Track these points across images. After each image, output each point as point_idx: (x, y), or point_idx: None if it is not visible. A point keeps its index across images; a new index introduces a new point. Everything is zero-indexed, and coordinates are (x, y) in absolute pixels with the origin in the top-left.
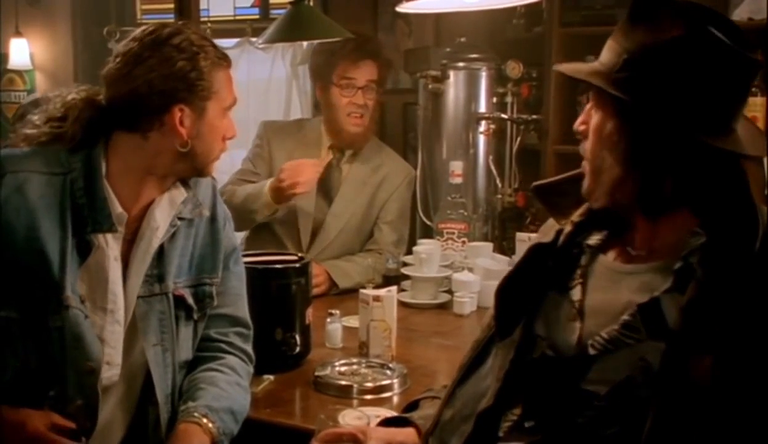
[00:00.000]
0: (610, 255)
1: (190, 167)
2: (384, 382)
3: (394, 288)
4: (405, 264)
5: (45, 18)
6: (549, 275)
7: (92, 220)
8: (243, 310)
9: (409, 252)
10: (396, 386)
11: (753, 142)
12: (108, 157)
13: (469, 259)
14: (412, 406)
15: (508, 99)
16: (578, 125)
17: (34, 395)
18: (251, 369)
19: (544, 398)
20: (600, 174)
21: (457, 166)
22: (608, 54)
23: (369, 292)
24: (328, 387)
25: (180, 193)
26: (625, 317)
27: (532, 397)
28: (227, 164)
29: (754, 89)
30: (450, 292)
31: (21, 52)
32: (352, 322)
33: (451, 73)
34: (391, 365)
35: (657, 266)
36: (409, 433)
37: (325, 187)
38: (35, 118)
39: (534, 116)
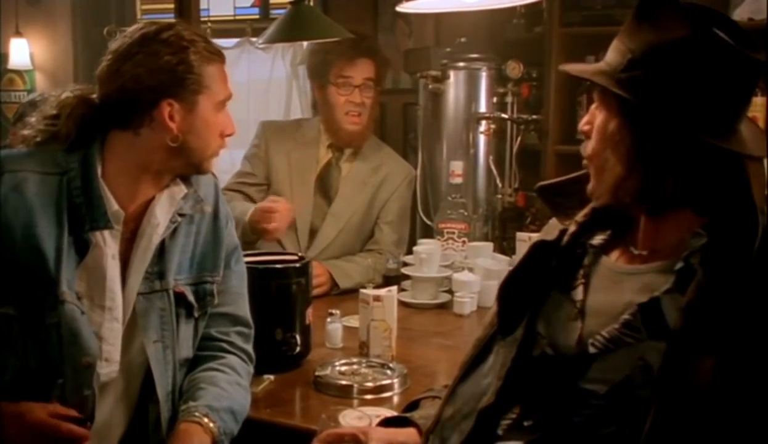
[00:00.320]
0: (613, 255)
1: (186, 163)
2: (384, 382)
3: (394, 288)
4: (405, 264)
5: (45, 18)
6: (552, 274)
7: (89, 218)
8: (244, 310)
9: (410, 252)
10: (396, 386)
11: (756, 143)
12: (104, 156)
13: (469, 259)
14: (413, 405)
15: (509, 99)
16: (583, 125)
17: (34, 394)
18: (251, 369)
19: (543, 397)
20: (602, 172)
21: (457, 166)
22: (613, 54)
23: (369, 292)
24: (328, 387)
25: (180, 190)
26: (626, 316)
27: (531, 396)
28: (227, 163)
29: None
30: (450, 292)
31: (21, 52)
32: (353, 322)
33: (452, 73)
34: (391, 365)
35: (658, 267)
36: (410, 433)
37: (325, 187)
38: (32, 118)
39: (534, 116)
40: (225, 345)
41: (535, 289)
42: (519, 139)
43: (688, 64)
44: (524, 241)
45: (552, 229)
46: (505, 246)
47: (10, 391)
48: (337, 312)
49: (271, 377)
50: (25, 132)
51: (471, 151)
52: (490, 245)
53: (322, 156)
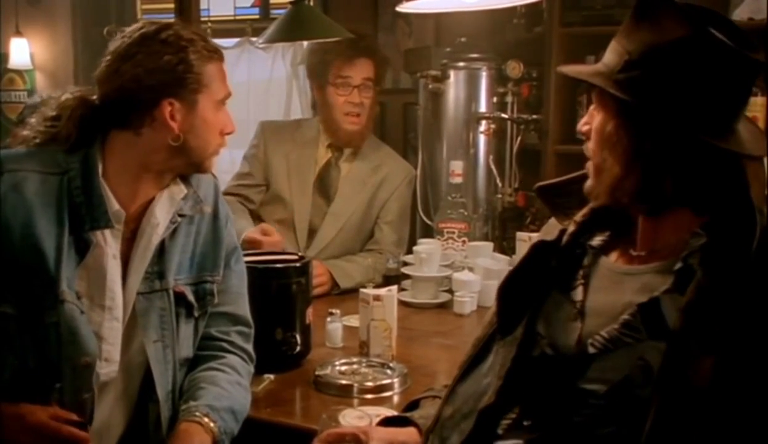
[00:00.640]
0: (612, 256)
1: (187, 163)
2: (384, 382)
3: (394, 287)
4: (405, 263)
5: (45, 18)
6: (552, 274)
7: (90, 217)
8: (244, 309)
9: (410, 252)
10: (396, 386)
11: (754, 142)
12: (105, 156)
13: (469, 258)
14: (413, 405)
15: (509, 99)
16: (581, 126)
17: (33, 394)
18: (252, 368)
19: (543, 397)
20: (601, 172)
21: (457, 166)
22: (611, 55)
23: (369, 291)
24: (328, 386)
25: (180, 190)
26: (626, 316)
27: (530, 396)
28: (227, 163)
29: (754, 89)
30: (450, 291)
31: (21, 51)
32: (353, 321)
33: (452, 73)
34: (391, 365)
35: (658, 267)
36: (410, 432)
37: (324, 187)
38: (32, 120)
39: (534, 116)
40: (225, 345)
41: (535, 289)
42: (519, 138)
43: (686, 64)
44: (524, 240)
45: (551, 228)
46: (505, 246)
47: (8, 391)
48: (338, 311)
49: (272, 377)
50: (24, 133)
51: (471, 150)
52: (490, 245)
53: (321, 156)
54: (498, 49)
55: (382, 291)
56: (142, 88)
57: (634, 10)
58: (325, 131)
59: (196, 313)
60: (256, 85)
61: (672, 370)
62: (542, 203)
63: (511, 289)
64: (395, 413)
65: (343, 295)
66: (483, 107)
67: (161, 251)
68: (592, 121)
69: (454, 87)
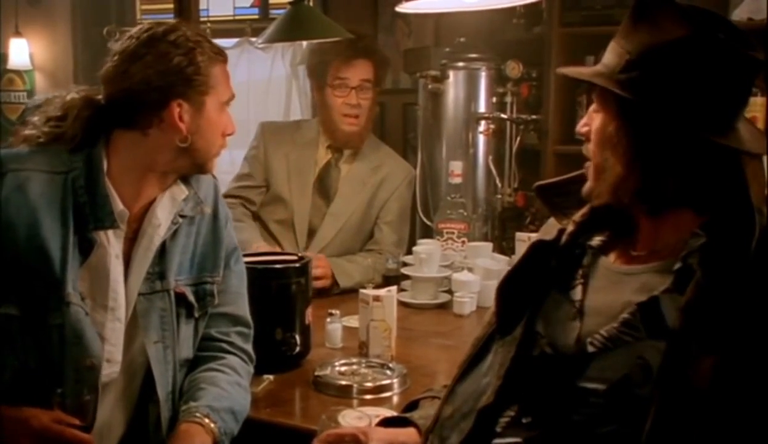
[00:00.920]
0: (612, 256)
1: (191, 163)
2: (384, 382)
3: (394, 288)
4: (405, 264)
5: (45, 18)
6: (551, 274)
7: (94, 217)
8: (244, 309)
9: (409, 252)
10: (396, 386)
11: (754, 141)
12: (109, 155)
13: (468, 259)
14: (412, 406)
15: (508, 99)
16: (581, 127)
17: (33, 396)
18: (251, 369)
19: (542, 395)
20: (602, 173)
21: (456, 166)
22: (611, 56)
23: (369, 292)
24: (327, 387)
25: (181, 191)
26: (625, 315)
27: (530, 394)
28: (227, 163)
29: (753, 89)
30: (450, 292)
31: (21, 52)
32: (352, 322)
33: (451, 73)
34: (390, 365)
35: (657, 267)
36: (410, 433)
37: (324, 187)
38: (35, 119)
39: (533, 116)
40: (225, 345)
41: (534, 289)
42: (518, 139)
43: (687, 63)
44: (523, 241)
45: (550, 228)
46: (504, 246)
47: (9, 394)
48: (337, 312)
49: (271, 377)
50: (28, 132)
51: (470, 151)
52: (489, 245)
53: (321, 157)
54: (497, 49)
55: (382, 291)
56: (152, 89)
57: (632, 11)
58: (324, 132)
59: (196, 314)
60: (256, 85)
61: (672, 369)
62: (541, 203)
63: (510, 288)
64: (395, 414)
65: (343, 296)
66: (482, 107)
67: (162, 252)
68: (591, 122)
69: (453, 87)
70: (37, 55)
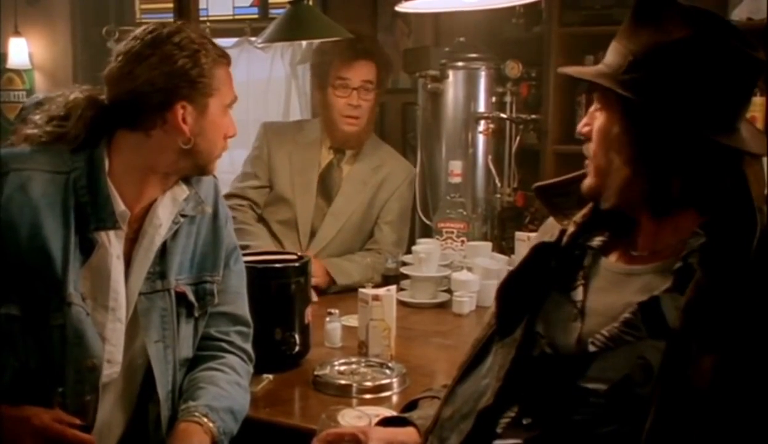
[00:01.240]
0: (612, 257)
1: (193, 165)
2: (383, 382)
3: (393, 287)
4: (404, 263)
5: (44, 17)
6: (552, 275)
7: (95, 218)
8: (243, 309)
9: (409, 251)
10: (395, 385)
11: (755, 142)
12: (111, 156)
13: (468, 258)
14: (411, 405)
15: (508, 99)
16: (581, 127)
17: (34, 396)
18: (251, 368)
19: (543, 395)
20: (607, 175)
21: (456, 166)
22: (613, 56)
23: (368, 291)
24: (327, 386)
25: (182, 191)
26: (626, 315)
27: (530, 395)
28: (227, 164)
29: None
30: (449, 291)
31: (20, 51)
32: (352, 321)
33: (451, 73)
34: (390, 364)
35: (658, 267)
36: (410, 432)
37: (326, 187)
38: (36, 117)
39: (533, 116)
40: (225, 345)
41: (534, 290)
42: (518, 138)
43: (691, 64)
44: (523, 240)
45: (550, 228)
46: (504, 245)
47: (9, 393)
48: (336, 311)
49: (270, 377)
50: (29, 131)
51: (470, 150)
52: (488, 245)
53: (323, 157)
54: (497, 48)
55: (381, 291)
56: (156, 91)
57: (634, 11)
58: (326, 132)
59: (196, 313)
60: (255, 85)
61: (672, 369)
62: (541, 204)
63: (509, 290)
64: (394, 413)
65: (342, 295)
66: (482, 107)
67: (163, 252)
68: (592, 122)
69: (453, 87)
70: (36, 55)
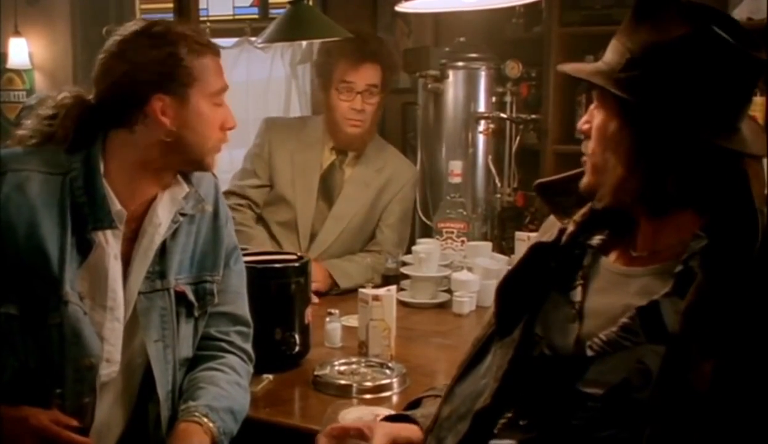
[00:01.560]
0: (612, 256)
1: (184, 159)
2: (383, 382)
3: (393, 287)
4: (404, 263)
5: (44, 17)
6: (551, 275)
7: (92, 218)
8: (243, 309)
9: (409, 251)
10: (395, 385)
11: (757, 142)
12: (106, 155)
13: (468, 258)
14: (415, 403)
15: (508, 98)
16: (582, 124)
17: (33, 396)
18: (251, 368)
19: (540, 397)
20: (603, 173)
21: (456, 166)
22: (612, 54)
23: (368, 291)
24: (327, 386)
25: (181, 189)
26: (624, 320)
27: (527, 396)
28: (226, 163)
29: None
30: (449, 291)
31: (20, 51)
32: (352, 321)
33: (451, 73)
34: (390, 364)
35: (658, 269)
36: (413, 428)
37: (327, 189)
38: (28, 121)
39: (533, 116)
40: (224, 344)
41: (534, 290)
42: (518, 138)
43: (689, 62)
44: (523, 240)
45: (550, 227)
46: (504, 245)
47: (8, 393)
48: (336, 311)
49: (270, 377)
50: (21, 132)
51: (470, 150)
52: (489, 245)
53: (325, 158)
54: (497, 48)
55: (381, 291)
56: (133, 84)
57: (634, 9)
58: (328, 132)
59: (196, 313)
60: (255, 85)
61: (672, 373)
62: (541, 201)
63: (509, 290)
64: (394, 413)
65: (342, 295)
66: (482, 107)
67: (163, 251)
68: (592, 119)
69: (453, 87)
70: (36, 55)
